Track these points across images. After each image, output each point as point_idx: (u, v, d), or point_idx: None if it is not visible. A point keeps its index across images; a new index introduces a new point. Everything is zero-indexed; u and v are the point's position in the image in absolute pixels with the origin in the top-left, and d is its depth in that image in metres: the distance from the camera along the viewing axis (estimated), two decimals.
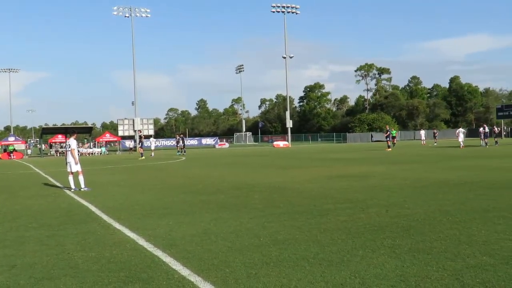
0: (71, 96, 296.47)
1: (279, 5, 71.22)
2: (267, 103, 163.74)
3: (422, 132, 55.95)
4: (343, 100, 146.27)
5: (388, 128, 42.66)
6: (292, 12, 72.32)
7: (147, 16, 68.69)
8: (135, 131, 65.45)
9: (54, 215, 9.58)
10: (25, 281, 5.10)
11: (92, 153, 56.80)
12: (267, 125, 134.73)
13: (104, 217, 9.10)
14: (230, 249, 6.13)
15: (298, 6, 72.52)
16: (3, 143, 58.02)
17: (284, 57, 71.99)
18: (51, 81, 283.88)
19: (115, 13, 67.34)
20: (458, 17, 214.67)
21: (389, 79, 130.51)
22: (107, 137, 67.57)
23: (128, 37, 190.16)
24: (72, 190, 13.99)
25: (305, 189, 12.52)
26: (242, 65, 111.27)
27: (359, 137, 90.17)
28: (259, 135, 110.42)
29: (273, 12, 71.55)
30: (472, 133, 78.19)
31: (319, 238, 6.60)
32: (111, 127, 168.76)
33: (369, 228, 7.11)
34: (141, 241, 6.80)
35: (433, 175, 15.01)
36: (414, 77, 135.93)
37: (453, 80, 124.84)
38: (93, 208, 10.36)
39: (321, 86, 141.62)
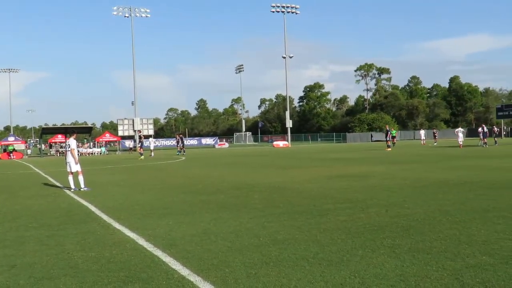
0: (71, 96, 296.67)
1: (278, 5, 71.20)
2: (267, 103, 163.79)
3: (422, 132, 55.94)
4: (343, 100, 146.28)
5: (387, 128, 42.68)
6: (292, 12, 72.31)
7: (147, 16, 68.72)
8: (135, 131, 65.45)
9: (54, 215, 9.58)
10: (25, 281, 5.10)
11: (92, 153, 56.79)
12: (267, 125, 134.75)
13: (104, 217, 9.10)
14: (230, 249, 6.13)
15: (298, 6, 72.55)
16: (3, 143, 58.00)
17: (284, 57, 72.01)
18: (51, 81, 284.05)
19: (114, 13, 67.35)
20: (458, 17, 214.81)
21: (389, 79, 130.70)
22: (107, 137, 67.58)
23: (128, 37, 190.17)
24: (72, 190, 13.99)
25: (305, 189, 12.52)
26: (242, 65, 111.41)
27: (359, 137, 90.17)
28: (259, 135, 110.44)
29: (273, 12, 71.57)
30: (472, 133, 78.22)
31: (319, 238, 6.60)
32: (111, 127, 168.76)
33: (369, 228, 7.11)
34: (141, 241, 6.80)
35: (433, 175, 15.01)
36: (414, 77, 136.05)
37: (453, 80, 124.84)
38: (93, 208, 10.36)
39: (321, 86, 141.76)
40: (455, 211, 8.27)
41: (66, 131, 58.78)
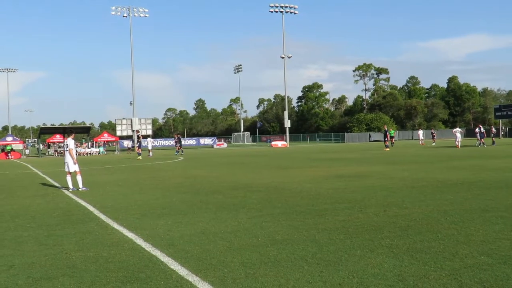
0: (69, 96, 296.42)
1: (277, 5, 71.28)
2: (265, 103, 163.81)
3: (420, 132, 55.98)
4: (341, 100, 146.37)
5: (386, 128, 42.71)
6: (291, 12, 72.41)
7: (145, 16, 68.75)
8: (133, 131, 65.46)
9: (52, 215, 9.57)
10: (23, 281, 5.09)
11: (90, 153, 56.74)
12: (265, 125, 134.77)
13: (102, 217, 9.10)
14: (228, 249, 6.13)
15: (296, 6, 72.69)
16: (1, 143, 57.90)
17: (283, 57, 72.06)
18: (49, 80, 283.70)
19: (113, 13, 67.37)
20: (456, 17, 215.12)
21: (387, 79, 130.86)
22: (105, 137, 67.48)
23: (126, 36, 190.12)
24: (70, 190, 13.98)
25: (303, 189, 12.52)
26: (241, 65, 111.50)
27: (357, 137, 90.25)
28: (257, 135, 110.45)
29: (272, 12, 71.62)
30: (470, 133, 78.27)
31: (317, 238, 6.60)
32: (109, 127, 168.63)
33: (367, 228, 7.11)
34: (139, 241, 6.79)
35: (431, 175, 15.03)
36: (412, 77, 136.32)
37: (451, 80, 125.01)
38: (91, 208, 10.35)
39: (320, 86, 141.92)
40: (453, 211, 8.28)
41: (64, 131, 58.65)
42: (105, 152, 59.76)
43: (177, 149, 43.69)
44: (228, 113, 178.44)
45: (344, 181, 14.22)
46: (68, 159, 14.26)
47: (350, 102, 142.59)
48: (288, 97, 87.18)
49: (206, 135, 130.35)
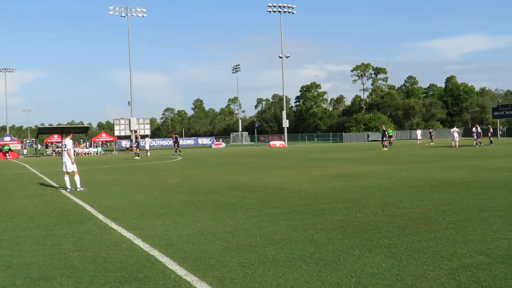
0: (67, 96, 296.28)
1: (275, 4, 71.24)
2: (264, 103, 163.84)
3: (418, 132, 56.00)
4: (340, 99, 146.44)
5: (384, 128, 42.74)
6: (289, 12, 72.37)
7: (143, 16, 68.68)
8: (131, 131, 65.36)
9: (50, 215, 9.56)
10: (21, 281, 5.08)
11: (88, 153, 56.68)
12: (264, 125, 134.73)
13: (100, 217, 9.09)
14: (227, 249, 6.13)
15: (294, 6, 72.66)
16: None
17: (281, 57, 72.06)
18: (47, 80, 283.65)
19: (111, 12, 67.27)
20: (454, 17, 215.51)
21: (385, 79, 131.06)
22: (103, 137, 67.41)
23: (124, 36, 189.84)
24: (68, 190, 13.96)
25: (301, 189, 12.52)
26: (239, 65, 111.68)
27: (356, 137, 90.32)
28: (256, 135, 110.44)
29: (270, 12, 71.58)
30: (468, 132, 78.41)
31: (315, 237, 6.60)
32: (107, 127, 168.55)
33: (365, 228, 7.12)
34: (138, 241, 6.79)
35: (429, 175, 15.04)
36: (410, 77, 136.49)
37: (449, 80, 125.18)
38: (89, 208, 10.34)
39: (318, 86, 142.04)
40: (451, 211, 8.29)
41: (62, 131, 58.73)
42: (103, 152, 59.69)
43: (175, 149, 43.70)
44: (226, 113, 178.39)
45: (342, 181, 14.22)
46: (66, 159, 14.24)
47: (348, 102, 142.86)
48: (286, 97, 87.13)
49: (204, 135, 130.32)
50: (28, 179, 19.79)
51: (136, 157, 36.18)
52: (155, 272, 5.25)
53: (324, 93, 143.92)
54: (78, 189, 13.88)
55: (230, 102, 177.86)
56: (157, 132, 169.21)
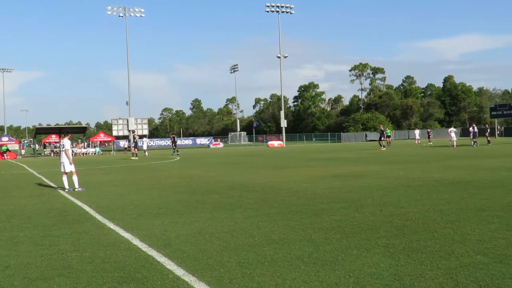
0: (65, 96, 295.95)
1: (273, 4, 71.21)
2: (262, 102, 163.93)
3: (416, 132, 56.08)
4: (338, 99, 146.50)
5: (382, 128, 42.78)
6: (287, 12, 72.35)
7: (141, 16, 68.58)
8: (129, 131, 65.24)
9: (48, 215, 9.55)
10: (19, 282, 5.08)
11: (86, 153, 56.61)
12: (262, 125, 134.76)
13: (98, 217, 9.08)
14: (225, 249, 6.13)
15: (292, 6, 72.60)
16: None
17: (279, 57, 72.02)
18: (45, 80, 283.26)
19: (109, 13, 67.14)
20: (452, 17, 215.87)
21: (383, 79, 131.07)
22: (101, 137, 67.31)
23: (122, 36, 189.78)
24: (66, 190, 13.94)
25: (300, 188, 12.53)
26: (237, 65, 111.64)
27: (354, 137, 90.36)
28: (254, 135, 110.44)
29: (268, 12, 71.57)
30: (466, 132, 78.46)
31: (314, 237, 6.61)
32: (105, 127, 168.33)
33: (364, 228, 7.12)
34: (136, 241, 6.78)
35: (427, 174, 15.05)
36: (408, 77, 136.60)
37: (447, 79, 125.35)
38: (87, 208, 10.32)
39: (316, 86, 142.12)
40: (449, 211, 8.30)
41: (60, 131, 58.60)
42: (101, 152, 59.61)
43: (173, 149, 43.65)
44: (225, 113, 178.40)
45: (340, 180, 14.23)
46: (64, 159, 14.22)
47: (346, 101, 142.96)
48: (284, 96, 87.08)
49: (202, 135, 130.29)
50: (26, 179, 19.76)
51: (134, 157, 36.11)
52: (153, 272, 5.25)
53: (322, 93, 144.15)
54: (76, 189, 13.86)
55: (228, 102, 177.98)
56: (155, 132, 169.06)
